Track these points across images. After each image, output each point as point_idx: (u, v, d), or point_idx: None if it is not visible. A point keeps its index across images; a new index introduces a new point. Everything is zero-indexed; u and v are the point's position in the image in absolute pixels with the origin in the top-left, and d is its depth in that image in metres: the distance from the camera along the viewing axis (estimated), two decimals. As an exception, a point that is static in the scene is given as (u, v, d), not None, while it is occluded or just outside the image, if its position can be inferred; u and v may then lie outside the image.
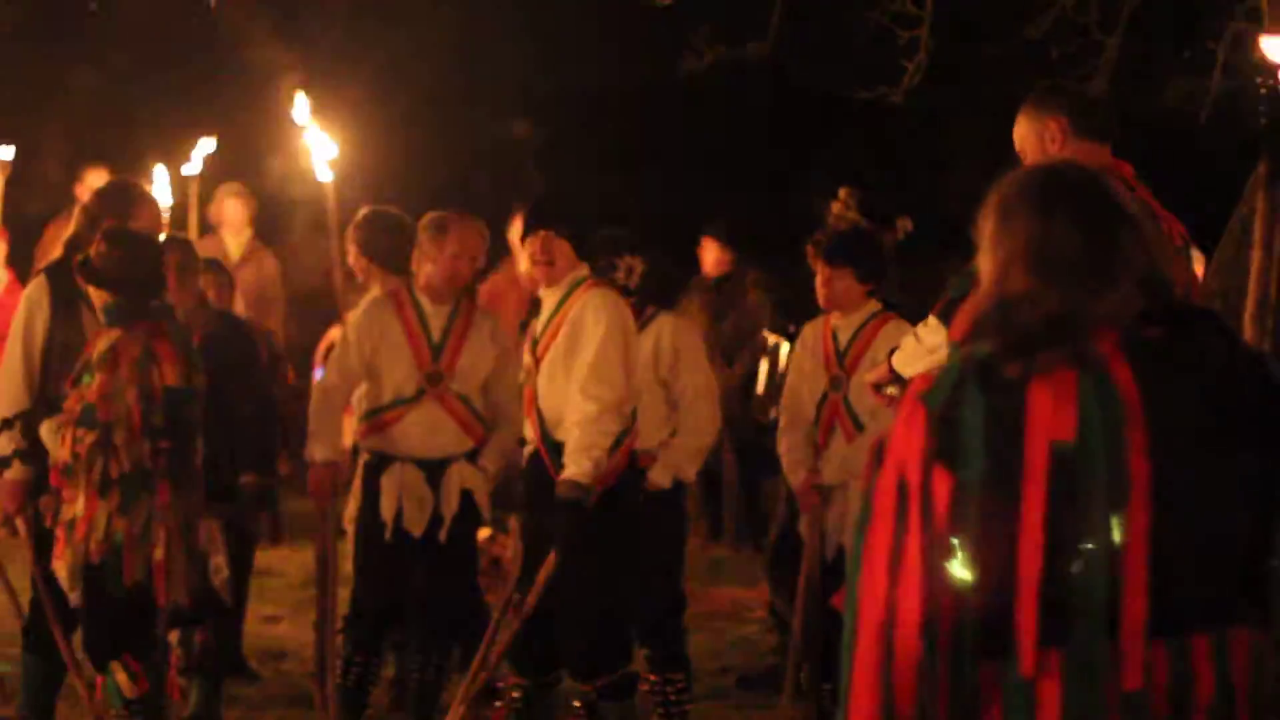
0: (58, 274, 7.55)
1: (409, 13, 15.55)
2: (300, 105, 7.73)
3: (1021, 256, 3.53)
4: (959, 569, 3.41)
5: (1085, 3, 8.92)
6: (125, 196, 7.67)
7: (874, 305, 8.05)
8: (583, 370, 7.03)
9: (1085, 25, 8.90)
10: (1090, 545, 3.40)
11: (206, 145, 11.64)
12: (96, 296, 7.03)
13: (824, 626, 7.74)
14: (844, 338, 7.98)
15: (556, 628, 7.16)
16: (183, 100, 15.28)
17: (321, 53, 14.95)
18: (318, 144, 7.62)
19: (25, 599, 7.87)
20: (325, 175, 7.58)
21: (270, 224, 13.56)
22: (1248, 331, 8.27)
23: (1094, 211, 3.55)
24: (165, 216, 8.46)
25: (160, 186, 9.63)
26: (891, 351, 5.96)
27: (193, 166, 11.75)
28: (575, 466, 6.96)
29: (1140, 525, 3.41)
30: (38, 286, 7.57)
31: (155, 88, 15.43)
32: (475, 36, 15.87)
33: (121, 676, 7.05)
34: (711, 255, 11.87)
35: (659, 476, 7.85)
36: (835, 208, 9.83)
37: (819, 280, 8.05)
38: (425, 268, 7.80)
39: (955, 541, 3.41)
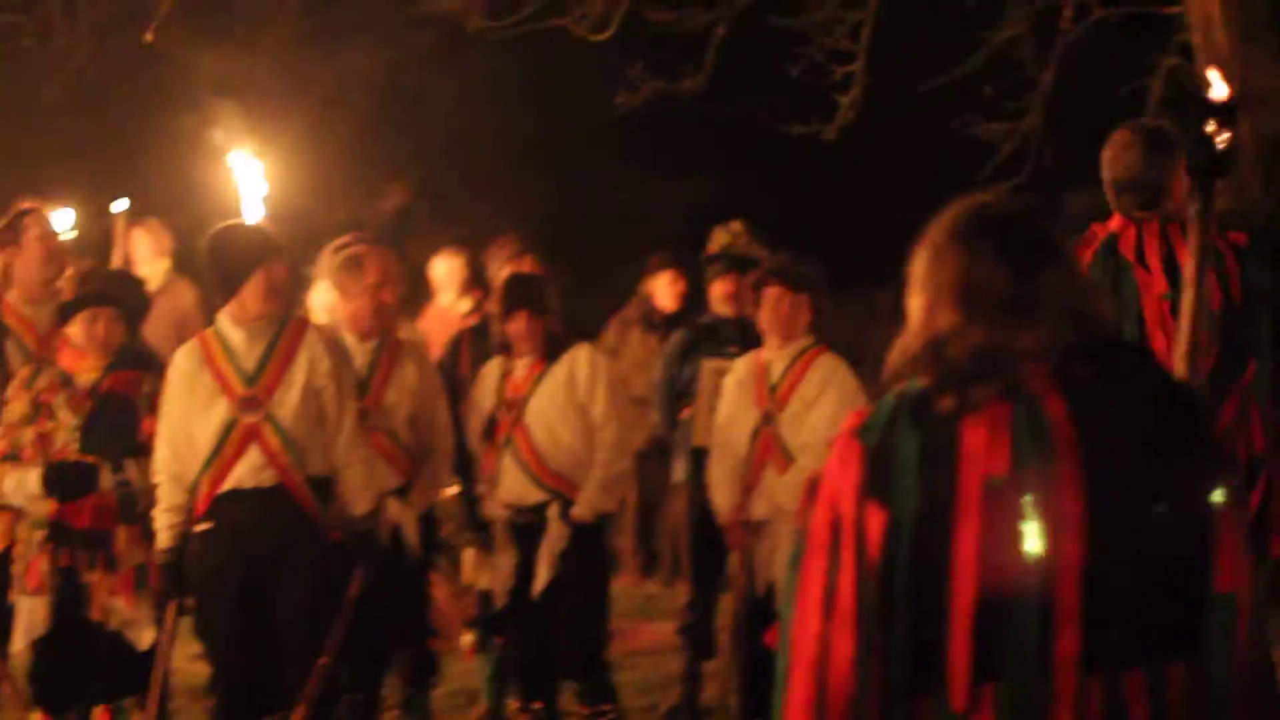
0: None
1: (346, 45, 15.52)
2: (238, 154, 7.76)
3: (948, 292, 3.52)
4: (889, 599, 3.39)
5: (1019, 39, 8.95)
6: (13, 228, 7.80)
7: (808, 339, 7.96)
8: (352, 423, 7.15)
9: (1020, 61, 8.93)
10: (1023, 580, 3.39)
11: (121, 201, 11.64)
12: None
13: (753, 662, 7.70)
14: (776, 371, 7.90)
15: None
16: (114, 132, 15.18)
17: (261, 82, 14.89)
18: (248, 180, 7.62)
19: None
20: (256, 212, 7.56)
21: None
22: (1179, 370, 8.29)
23: (1018, 246, 3.54)
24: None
25: (62, 221, 9.60)
26: None
27: (120, 203, 11.66)
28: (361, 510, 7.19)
29: (1073, 559, 3.40)
30: None
31: (87, 119, 15.33)
32: (409, 72, 15.84)
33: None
34: (667, 287, 11.77)
35: (581, 512, 7.85)
36: (722, 236, 9.83)
37: (774, 303, 7.91)
38: (347, 306, 7.78)
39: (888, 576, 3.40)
